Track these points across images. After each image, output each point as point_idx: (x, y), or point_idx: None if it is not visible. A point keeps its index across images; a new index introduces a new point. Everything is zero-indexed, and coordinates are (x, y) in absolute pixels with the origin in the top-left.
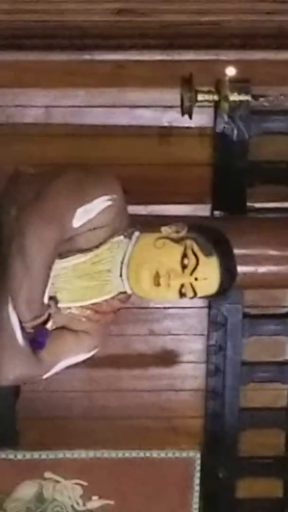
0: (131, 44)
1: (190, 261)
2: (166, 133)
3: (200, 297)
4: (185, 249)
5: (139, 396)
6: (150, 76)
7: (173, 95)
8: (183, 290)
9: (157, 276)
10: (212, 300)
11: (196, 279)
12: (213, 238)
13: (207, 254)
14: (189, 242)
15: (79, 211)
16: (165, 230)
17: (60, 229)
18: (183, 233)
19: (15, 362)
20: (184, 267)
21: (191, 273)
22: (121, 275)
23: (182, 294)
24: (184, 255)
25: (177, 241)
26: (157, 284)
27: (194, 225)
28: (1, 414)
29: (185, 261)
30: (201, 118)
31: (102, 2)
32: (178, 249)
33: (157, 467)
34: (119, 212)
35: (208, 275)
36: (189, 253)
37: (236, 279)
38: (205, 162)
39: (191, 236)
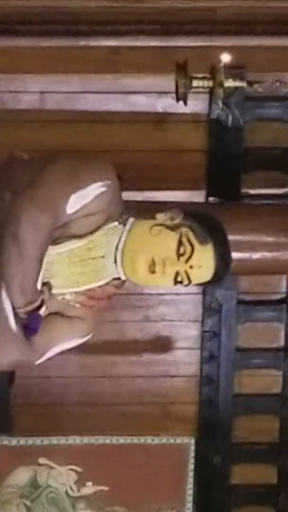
0: (126, 30)
1: (186, 249)
2: (161, 119)
3: (195, 285)
4: (180, 236)
5: (133, 382)
6: (145, 62)
7: (168, 81)
8: (178, 278)
9: (152, 264)
10: (207, 287)
11: (191, 267)
12: (209, 226)
13: (203, 242)
14: (184, 230)
15: (73, 197)
16: (160, 217)
17: (54, 215)
18: (178, 220)
19: (8, 348)
20: (179, 255)
21: (186, 261)
22: (115, 261)
23: (177, 282)
24: (180, 243)
25: (172, 228)
26: (152, 271)
27: (189, 212)
28: None
29: (181, 249)
30: (196, 105)
31: None
32: (173, 237)
33: (151, 453)
34: (113, 198)
35: (203, 263)
36: (185, 241)
37: (231, 266)
38: (200, 148)
39: (186, 223)
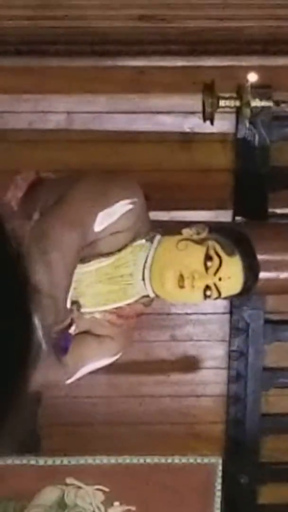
0: (153, 50)
1: (214, 261)
2: (187, 139)
3: (224, 298)
4: (207, 249)
5: (160, 402)
6: (171, 82)
7: (194, 101)
8: (208, 291)
9: (181, 278)
10: (234, 306)
11: (220, 279)
12: (234, 238)
13: (230, 253)
14: (211, 243)
15: (101, 215)
16: (186, 232)
17: (81, 234)
18: (204, 234)
19: (39, 368)
20: (207, 267)
21: (215, 274)
22: (143, 279)
23: (206, 295)
24: (207, 256)
25: (199, 242)
26: (182, 286)
27: (215, 226)
28: (23, 420)
29: (208, 262)
30: (222, 124)
31: (124, 8)
32: (200, 250)
33: (178, 473)
34: (140, 216)
35: (232, 274)
36: (212, 253)
37: (259, 279)
38: (227, 168)
39: (212, 237)
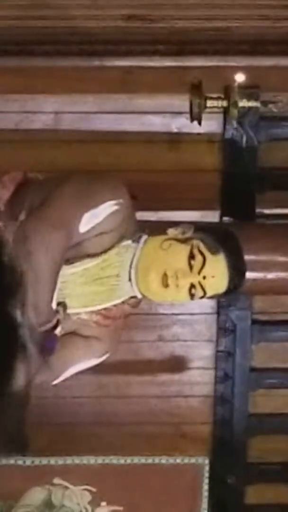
0: (141, 50)
1: (197, 260)
2: (175, 139)
3: (211, 297)
4: (191, 248)
5: (148, 402)
6: (159, 82)
7: (182, 101)
8: (193, 290)
9: (165, 277)
10: (221, 306)
11: (204, 277)
12: (220, 237)
13: (214, 252)
14: (195, 242)
15: (86, 216)
16: (171, 231)
17: (67, 235)
18: (189, 233)
19: (24, 368)
20: (191, 266)
21: (199, 272)
22: (130, 279)
23: (192, 295)
24: (191, 255)
25: (183, 241)
26: (166, 285)
27: (202, 226)
28: (9, 420)
29: (192, 261)
30: (210, 125)
31: (111, 8)
32: (184, 249)
33: (165, 473)
34: (126, 217)
35: (216, 273)
36: (196, 252)
37: (246, 278)
38: (214, 168)
39: (197, 236)
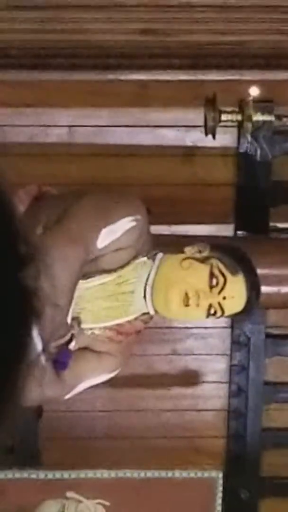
0: (155, 64)
1: (218, 280)
2: (189, 153)
3: (226, 316)
4: (211, 268)
5: (161, 416)
6: (173, 96)
7: (196, 115)
8: (211, 310)
9: (186, 297)
10: (235, 321)
11: (224, 298)
12: (236, 256)
13: (233, 272)
14: (214, 262)
15: (104, 231)
16: (189, 250)
17: (84, 250)
18: (206, 252)
19: (37, 382)
20: (212, 286)
21: (219, 292)
22: (144, 296)
23: (209, 314)
24: (212, 275)
25: (202, 261)
26: (186, 304)
27: (216, 245)
28: (23, 433)
29: (213, 281)
30: (224, 138)
31: (126, 22)
32: (205, 269)
33: (179, 487)
34: (142, 233)
35: (236, 293)
36: (216, 272)
37: (260, 296)
38: (229, 182)
39: (215, 255)
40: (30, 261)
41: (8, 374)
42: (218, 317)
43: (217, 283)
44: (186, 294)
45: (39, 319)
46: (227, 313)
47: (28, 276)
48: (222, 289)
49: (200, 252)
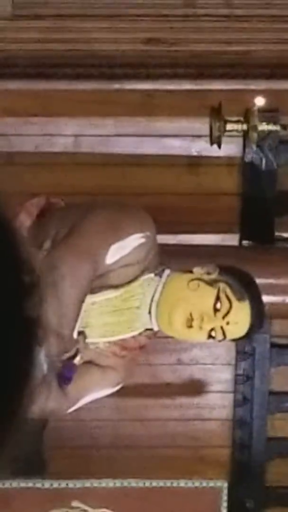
0: (160, 74)
1: (224, 305)
2: (195, 162)
3: (228, 340)
4: (218, 292)
5: (166, 426)
6: (179, 105)
7: (202, 125)
8: (212, 333)
9: (190, 319)
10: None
11: (227, 323)
12: (244, 281)
13: (240, 298)
14: (222, 286)
15: (113, 248)
16: (197, 270)
17: (93, 266)
18: (215, 275)
19: (41, 396)
20: (217, 310)
21: (224, 317)
22: (150, 312)
23: (210, 337)
24: (218, 299)
25: (210, 283)
26: (190, 326)
27: (225, 267)
28: (28, 443)
29: (218, 305)
30: (230, 148)
31: (131, 32)
32: (212, 292)
33: (184, 496)
34: (151, 250)
35: (240, 319)
36: (223, 297)
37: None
38: (234, 192)
39: (223, 278)
40: (33, 289)
41: (13, 397)
42: (219, 341)
43: (222, 308)
44: (191, 316)
45: (41, 345)
46: (228, 337)
47: (31, 305)
48: (226, 314)
49: (208, 274)
